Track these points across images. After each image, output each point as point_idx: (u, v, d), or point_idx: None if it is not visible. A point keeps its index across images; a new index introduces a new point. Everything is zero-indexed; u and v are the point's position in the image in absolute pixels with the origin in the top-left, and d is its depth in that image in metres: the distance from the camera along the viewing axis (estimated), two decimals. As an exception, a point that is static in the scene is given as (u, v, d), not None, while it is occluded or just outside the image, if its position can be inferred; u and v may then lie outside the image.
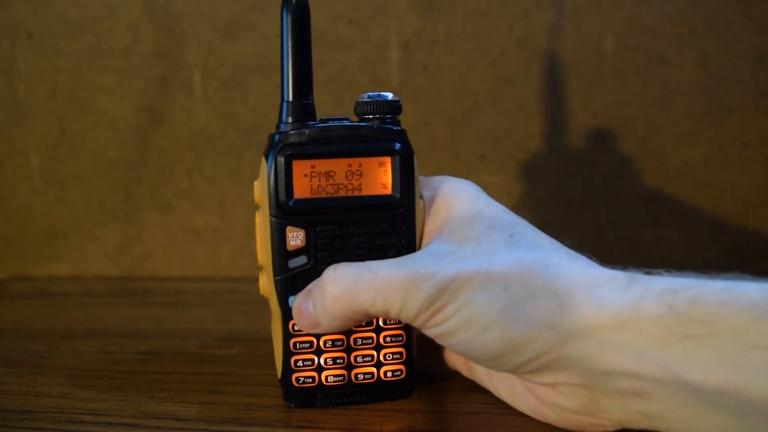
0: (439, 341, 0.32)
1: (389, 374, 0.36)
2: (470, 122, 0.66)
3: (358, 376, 0.35)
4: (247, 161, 0.69)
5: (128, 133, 0.71)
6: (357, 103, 0.35)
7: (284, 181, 0.33)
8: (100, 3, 0.69)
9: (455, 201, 0.34)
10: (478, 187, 0.36)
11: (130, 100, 0.70)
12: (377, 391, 0.36)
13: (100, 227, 0.73)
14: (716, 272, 0.29)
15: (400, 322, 0.35)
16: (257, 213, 0.35)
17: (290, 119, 0.34)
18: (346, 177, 0.34)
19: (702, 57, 0.62)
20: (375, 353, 0.35)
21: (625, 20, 0.63)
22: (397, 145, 0.34)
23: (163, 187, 0.71)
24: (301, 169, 0.33)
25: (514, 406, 0.34)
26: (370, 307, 0.31)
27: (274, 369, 0.36)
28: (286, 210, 0.33)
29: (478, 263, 0.30)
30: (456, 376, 0.38)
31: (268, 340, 0.36)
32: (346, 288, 0.31)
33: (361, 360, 0.35)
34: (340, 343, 0.35)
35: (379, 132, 0.34)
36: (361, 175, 0.34)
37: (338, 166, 0.34)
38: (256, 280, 0.35)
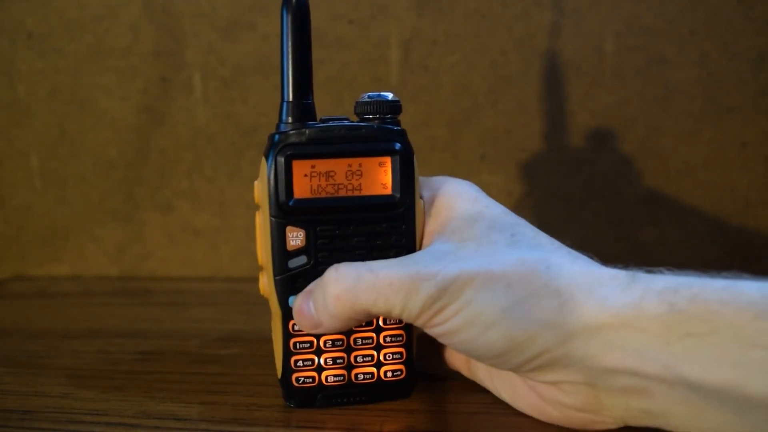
0: (441, 340, 0.32)
1: (389, 374, 0.36)
2: (470, 122, 0.66)
3: (358, 376, 0.35)
4: (247, 161, 0.69)
5: (128, 133, 0.71)
6: (357, 103, 0.35)
7: (284, 181, 0.33)
8: (100, 3, 0.69)
9: (455, 201, 0.34)
10: (478, 188, 0.36)
11: (130, 100, 0.70)
12: (377, 391, 0.36)
13: (100, 227, 0.73)
14: (716, 272, 0.29)
15: (400, 322, 0.35)
16: (257, 213, 0.35)
17: (290, 119, 0.34)
18: (346, 177, 0.34)
19: (702, 57, 0.62)
20: (375, 353, 0.35)
21: (625, 20, 0.63)
22: (397, 145, 0.34)
23: (163, 187, 0.71)
24: (301, 169, 0.33)
25: (516, 405, 0.34)
26: (372, 307, 0.31)
27: (274, 369, 0.36)
28: (286, 210, 0.33)
29: (480, 263, 0.30)
30: (456, 376, 0.38)
31: (268, 340, 0.36)
32: (347, 288, 0.31)
33: (361, 360, 0.35)
34: (340, 343, 0.35)
35: (379, 132, 0.34)
36: (361, 175, 0.34)
37: (338, 166, 0.33)
38: (256, 280, 0.35)
